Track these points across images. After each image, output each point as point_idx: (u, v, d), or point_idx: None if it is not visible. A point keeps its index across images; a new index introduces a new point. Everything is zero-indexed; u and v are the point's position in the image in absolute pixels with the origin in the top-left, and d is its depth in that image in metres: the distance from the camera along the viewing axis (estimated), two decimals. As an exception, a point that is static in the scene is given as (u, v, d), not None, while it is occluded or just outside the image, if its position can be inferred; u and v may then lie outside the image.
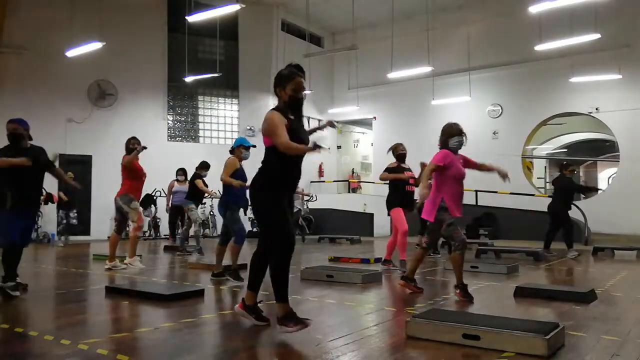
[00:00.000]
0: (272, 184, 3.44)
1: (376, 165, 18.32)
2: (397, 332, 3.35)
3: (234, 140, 15.10)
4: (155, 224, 13.82)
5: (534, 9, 10.19)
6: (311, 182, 17.78)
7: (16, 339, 3.28)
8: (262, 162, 3.53)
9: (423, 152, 17.56)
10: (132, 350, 3.03)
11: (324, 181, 17.74)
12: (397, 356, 2.97)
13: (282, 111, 3.52)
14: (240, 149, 5.93)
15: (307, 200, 16.17)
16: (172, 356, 3.01)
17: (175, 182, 10.19)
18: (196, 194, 9.04)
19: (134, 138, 7.02)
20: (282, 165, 3.46)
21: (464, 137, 4.80)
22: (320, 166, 18.36)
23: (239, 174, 5.85)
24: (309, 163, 18.20)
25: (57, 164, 13.72)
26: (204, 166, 9.14)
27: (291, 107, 3.59)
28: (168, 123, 15.10)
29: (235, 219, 5.87)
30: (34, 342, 3.19)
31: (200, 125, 15.73)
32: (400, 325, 3.36)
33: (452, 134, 4.77)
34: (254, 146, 6.01)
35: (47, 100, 13.10)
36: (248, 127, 16.15)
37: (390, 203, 6.96)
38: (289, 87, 3.56)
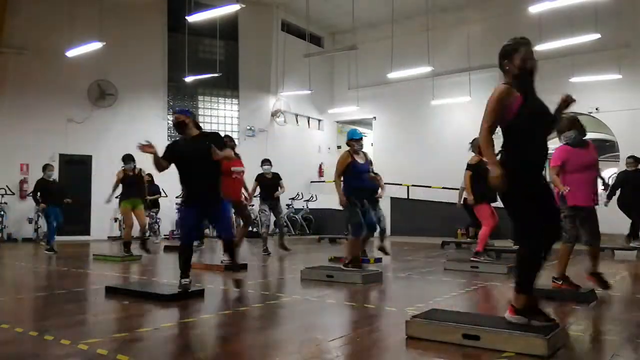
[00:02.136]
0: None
1: (376, 165, 18.30)
2: (397, 332, 3.35)
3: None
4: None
5: (534, 9, 10.19)
6: (311, 182, 17.79)
7: (16, 339, 3.28)
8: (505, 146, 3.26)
9: (423, 151, 17.64)
10: (132, 350, 3.03)
11: (324, 181, 17.74)
12: (397, 356, 2.97)
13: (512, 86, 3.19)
14: (352, 142, 6.13)
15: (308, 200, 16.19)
16: (172, 356, 3.01)
17: None
18: (263, 194, 8.98)
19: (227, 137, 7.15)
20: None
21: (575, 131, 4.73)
22: (320, 166, 18.38)
23: (355, 168, 6.05)
24: (309, 163, 18.24)
25: (56, 164, 13.67)
26: (264, 161, 9.12)
27: (522, 80, 3.20)
28: (168, 123, 15.09)
29: (353, 213, 5.98)
30: (34, 342, 3.19)
31: (201, 125, 15.71)
32: (400, 325, 3.36)
33: (561, 130, 4.78)
34: (361, 138, 6.29)
35: (47, 100, 13.10)
36: (248, 127, 16.16)
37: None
38: (517, 57, 3.21)
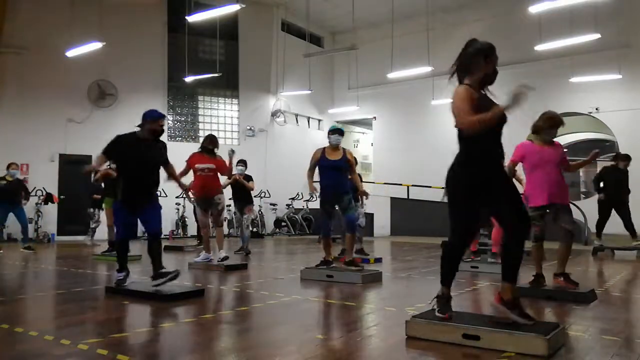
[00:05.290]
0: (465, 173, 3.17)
1: (376, 165, 18.32)
2: (397, 332, 3.35)
3: (233, 140, 14.96)
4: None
5: (534, 9, 10.20)
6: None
7: (16, 339, 3.28)
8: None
9: (423, 151, 17.64)
10: (132, 350, 3.03)
11: (324, 181, 17.76)
12: (397, 356, 2.97)
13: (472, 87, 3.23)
14: (328, 135, 6.14)
15: (308, 200, 16.18)
16: (172, 356, 3.01)
17: None
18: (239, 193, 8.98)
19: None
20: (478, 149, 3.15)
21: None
22: (320, 166, 18.37)
23: (322, 162, 6.05)
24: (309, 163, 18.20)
25: (56, 164, 13.70)
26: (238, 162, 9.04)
27: (485, 82, 3.35)
28: (168, 123, 15.09)
29: (320, 212, 6.20)
30: (34, 342, 3.19)
31: (200, 125, 15.73)
32: (400, 325, 3.36)
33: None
34: (338, 130, 6.24)
35: (47, 100, 13.11)
36: (248, 127, 16.15)
37: None
38: (493, 61, 3.34)
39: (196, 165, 7.05)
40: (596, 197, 9.49)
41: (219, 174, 7.24)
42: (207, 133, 15.40)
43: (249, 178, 8.91)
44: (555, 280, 4.85)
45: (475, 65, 3.29)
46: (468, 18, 15.18)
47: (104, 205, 8.83)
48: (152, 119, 5.00)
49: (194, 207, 10.75)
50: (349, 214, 6.14)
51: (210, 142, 7.22)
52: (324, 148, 6.20)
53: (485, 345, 2.96)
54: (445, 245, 3.34)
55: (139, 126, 5.03)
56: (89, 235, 11.67)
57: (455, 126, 3.15)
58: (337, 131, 6.18)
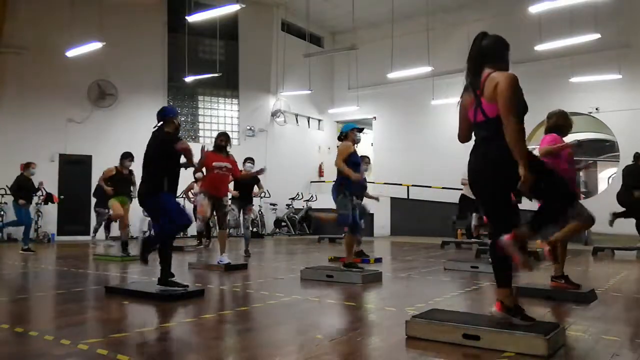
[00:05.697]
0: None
1: (376, 165, 18.32)
2: (397, 332, 3.35)
3: (233, 140, 14.93)
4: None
5: (534, 9, 10.20)
6: (311, 182, 17.79)
7: (16, 339, 3.28)
8: (490, 137, 3.16)
9: (423, 151, 17.61)
10: (132, 350, 3.03)
11: (324, 181, 17.76)
12: (397, 356, 2.97)
13: None
14: (354, 132, 6.11)
15: (308, 200, 16.19)
16: (172, 356, 3.01)
17: None
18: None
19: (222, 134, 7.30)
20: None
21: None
22: (320, 166, 18.37)
23: (353, 159, 5.99)
24: (309, 163, 18.24)
25: (56, 164, 13.62)
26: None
27: None
28: (168, 123, 15.08)
29: (343, 205, 5.99)
30: (34, 342, 3.19)
31: (200, 125, 15.73)
32: (400, 325, 3.36)
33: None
34: (363, 129, 6.17)
35: (47, 100, 13.10)
36: (248, 127, 16.15)
37: None
38: (509, 50, 3.22)
39: (213, 163, 7.00)
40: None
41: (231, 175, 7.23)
42: (207, 133, 15.67)
43: (256, 178, 8.86)
44: (554, 283, 4.78)
45: (498, 55, 3.25)
46: (468, 18, 15.18)
47: (110, 203, 8.74)
48: (175, 115, 5.05)
49: (194, 207, 10.79)
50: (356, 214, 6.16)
51: (225, 140, 7.21)
52: (350, 144, 6.16)
53: (485, 345, 2.96)
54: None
55: (159, 126, 4.96)
56: (111, 241, 11.34)
57: (499, 114, 3.05)
58: (362, 129, 6.29)
